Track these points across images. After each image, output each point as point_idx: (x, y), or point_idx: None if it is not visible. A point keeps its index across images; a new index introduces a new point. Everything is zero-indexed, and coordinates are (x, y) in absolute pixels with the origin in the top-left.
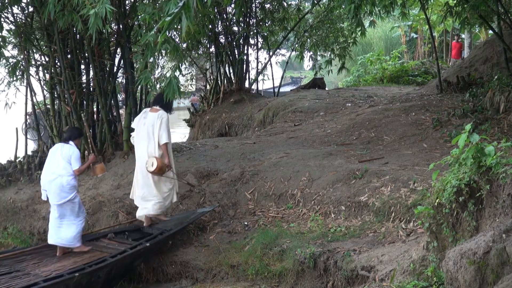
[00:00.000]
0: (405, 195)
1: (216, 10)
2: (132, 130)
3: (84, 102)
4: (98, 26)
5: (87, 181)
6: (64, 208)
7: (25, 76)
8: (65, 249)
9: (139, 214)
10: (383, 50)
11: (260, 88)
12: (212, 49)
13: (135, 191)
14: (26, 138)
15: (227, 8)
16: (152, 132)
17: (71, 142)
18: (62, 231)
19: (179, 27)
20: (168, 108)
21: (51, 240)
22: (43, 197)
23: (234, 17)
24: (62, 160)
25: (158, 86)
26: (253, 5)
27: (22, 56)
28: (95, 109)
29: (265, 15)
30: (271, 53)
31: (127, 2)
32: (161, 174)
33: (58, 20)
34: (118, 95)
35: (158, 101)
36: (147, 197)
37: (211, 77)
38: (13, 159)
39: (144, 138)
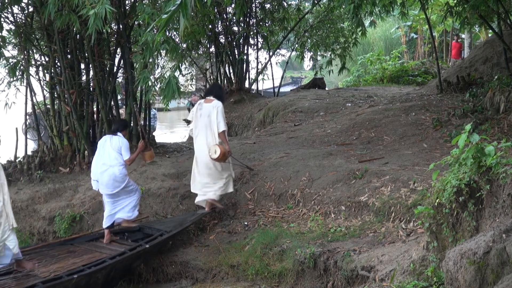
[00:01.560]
0: (405, 195)
1: (216, 10)
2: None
3: (84, 102)
4: (98, 26)
5: (87, 181)
6: (116, 195)
7: (25, 76)
8: (111, 237)
9: (199, 199)
10: (383, 50)
11: (260, 88)
12: (212, 49)
13: (195, 180)
14: (26, 138)
15: (227, 8)
16: (209, 122)
17: (119, 134)
18: (118, 211)
19: (176, 26)
20: (221, 97)
21: (106, 223)
22: (94, 187)
23: (234, 17)
24: (113, 151)
25: (157, 86)
26: (253, 5)
27: (22, 56)
28: (95, 109)
29: (265, 15)
30: (271, 53)
31: (127, 2)
32: (224, 160)
33: (56, 20)
34: (118, 95)
35: (211, 91)
36: (209, 184)
37: (211, 77)
38: (13, 159)
39: (203, 129)
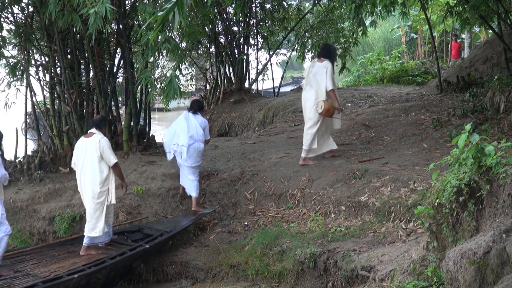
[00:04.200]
0: (405, 195)
1: (216, 10)
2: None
3: (84, 102)
4: (98, 25)
5: None
6: (191, 168)
7: (25, 76)
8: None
9: (323, 150)
10: (383, 50)
11: (260, 88)
12: (212, 49)
13: (315, 139)
14: (26, 138)
15: (227, 8)
16: (316, 80)
17: (199, 113)
18: (186, 181)
19: (173, 25)
20: (332, 58)
21: (182, 182)
22: (169, 158)
23: (234, 17)
24: (200, 128)
25: (158, 85)
26: (253, 5)
27: (22, 56)
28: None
29: (265, 15)
30: (271, 53)
31: (127, 2)
32: (329, 115)
33: (58, 20)
34: (119, 97)
35: (323, 52)
36: (327, 137)
37: (211, 77)
38: (13, 159)
39: (312, 85)
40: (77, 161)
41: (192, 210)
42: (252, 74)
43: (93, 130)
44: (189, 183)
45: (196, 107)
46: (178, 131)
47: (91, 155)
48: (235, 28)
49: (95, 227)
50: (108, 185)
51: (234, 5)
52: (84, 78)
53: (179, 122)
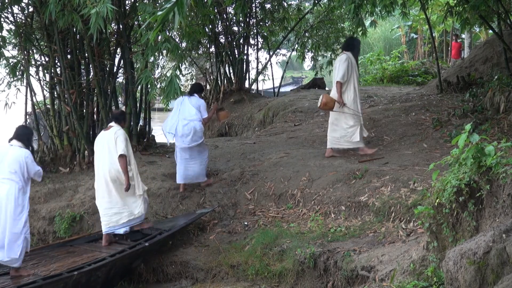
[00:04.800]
0: (405, 195)
1: (216, 10)
2: None
3: (84, 102)
4: (99, 25)
5: (87, 181)
6: (193, 150)
7: (25, 76)
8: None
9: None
10: (383, 50)
11: (260, 88)
12: (212, 49)
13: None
14: None
15: (227, 8)
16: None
17: (195, 95)
18: (190, 169)
19: (173, 25)
20: (353, 51)
21: (180, 179)
22: (170, 140)
23: (234, 17)
24: (193, 108)
25: (158, 85)
26: (253, 5)
27: (22, 56)
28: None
29: (265, 15)
30: (271, 53)
31: (127, 2)
32: (327, 109)
33: (58, 20)
34: (119, 97)
35: (344, 45)
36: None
37: (211, 77)
38: None
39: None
40: (96, 154)
41: (202, 184)
42: (252, 74)
43: (112, 123)
44: (194, 167)
45: (192, 89)
46: (172, 115)
47: (109, 147)
48: (235, 28)
49: (129, 210)
50: (133, 175)
51: (234, 5)
52: (84, 78)
53: (174, 108)
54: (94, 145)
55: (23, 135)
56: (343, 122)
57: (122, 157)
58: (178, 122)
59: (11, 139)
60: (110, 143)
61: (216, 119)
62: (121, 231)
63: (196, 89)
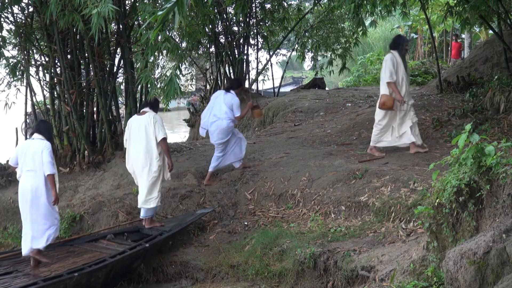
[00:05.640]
0: (405, 195)
1: (216, 10)
2: None
3: (84, 102)
4: (101, 25)
5: (87, 181)
6: (216, 146)
7: (25, 76)
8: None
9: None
10: (383, 50)
11: (260, 88)
12: (212, 49)
13: (384, 133)
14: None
15: (227, 8)
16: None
17: (232, 91)
18: (228, 155)
19: (173, 25)
20: (398, 49)
21: (212, 169)
22: (202, 134)
23: (234, 17)
24: (224, 105)
25: (158, 85)
26: (253, 5)
27: (22, 56)
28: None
29: (265, 15)
30: (271, 53)
31: (127, 2)
32: (386, 108)
33: (59, 20)
34: (119, 97)
35: (391, 44)
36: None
37: (211, 77)
38: None
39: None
40: (129, 137)
41: (204, 183)
42: (252, 74)
43: (146, 109)
44: (225, 160)
45: (229, 85)
46: (206, 109)
47: (146, 130)
48: (235, 28)
49: (149, 199)
50: (165, 160)
51: (234, 5)
52: (84, 78)
53: (210, 101)
54: (127, 128)
55: (43, 128)
56: (408, 119)
57: (165, 140)
58: (209, 118)
59: (32, 133)
60: (148, 127)
61: (251, 116)
62: (142, 213)
63: (234, 86)
